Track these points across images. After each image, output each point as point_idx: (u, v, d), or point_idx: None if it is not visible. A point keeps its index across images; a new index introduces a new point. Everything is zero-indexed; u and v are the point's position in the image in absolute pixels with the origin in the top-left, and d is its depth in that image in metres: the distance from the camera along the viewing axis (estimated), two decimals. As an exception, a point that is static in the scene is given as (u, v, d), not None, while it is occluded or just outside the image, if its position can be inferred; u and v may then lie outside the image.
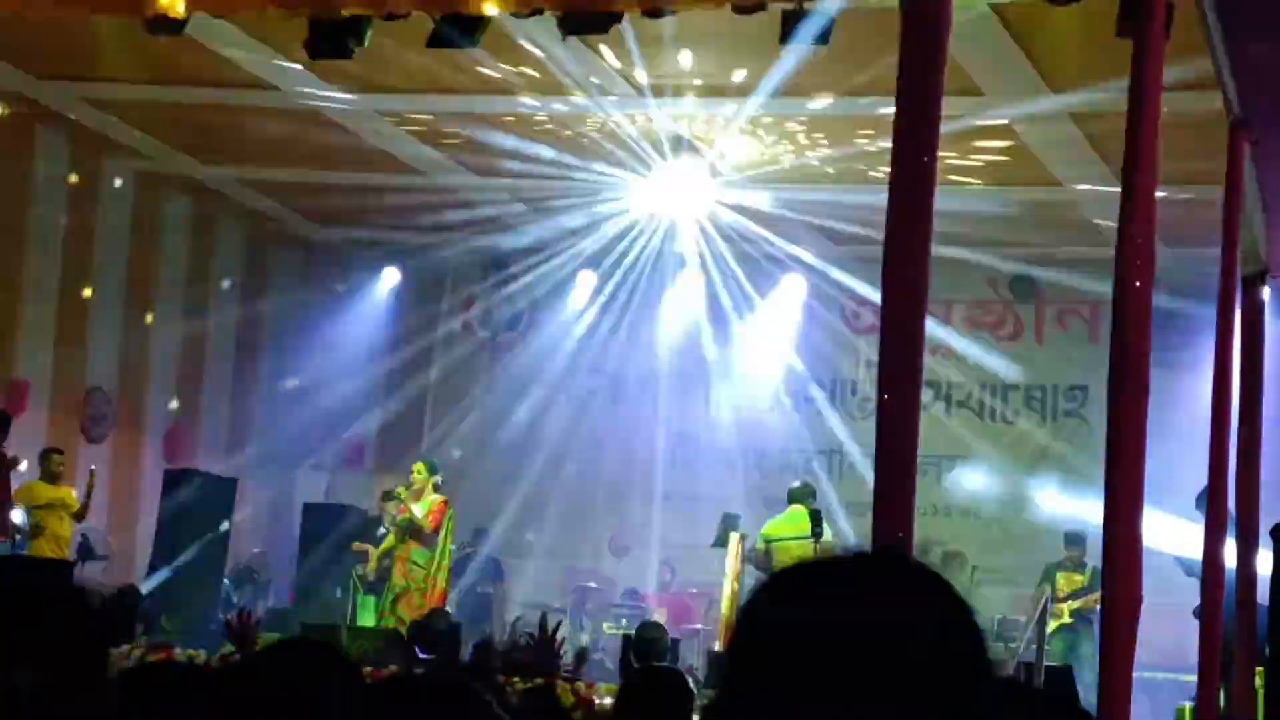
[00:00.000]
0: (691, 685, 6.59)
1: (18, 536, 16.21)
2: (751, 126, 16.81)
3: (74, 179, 19.38)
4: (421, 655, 13.65)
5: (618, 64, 15.29)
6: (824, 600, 1.71)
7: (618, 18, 11.78)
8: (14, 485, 16.36)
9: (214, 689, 4.10)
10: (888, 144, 5.48)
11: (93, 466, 17.21)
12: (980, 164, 16.79)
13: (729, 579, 16.69)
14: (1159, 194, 6.17)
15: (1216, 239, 9.54)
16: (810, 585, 1.75)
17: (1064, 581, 17.55)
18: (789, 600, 1.74)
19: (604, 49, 14.73)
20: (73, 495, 16.71)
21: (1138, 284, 5.77)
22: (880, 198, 5.61)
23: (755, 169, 17.87)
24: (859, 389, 20.52)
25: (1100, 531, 6.12)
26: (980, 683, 1.72)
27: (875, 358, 5.32)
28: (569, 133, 17.26)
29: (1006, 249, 19.78)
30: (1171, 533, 14.25)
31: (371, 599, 17.61)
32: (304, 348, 22.37)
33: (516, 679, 12.45)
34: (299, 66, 15.56)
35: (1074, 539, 17.78)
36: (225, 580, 19.78)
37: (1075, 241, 18.93)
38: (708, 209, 19.15)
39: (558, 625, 14.10)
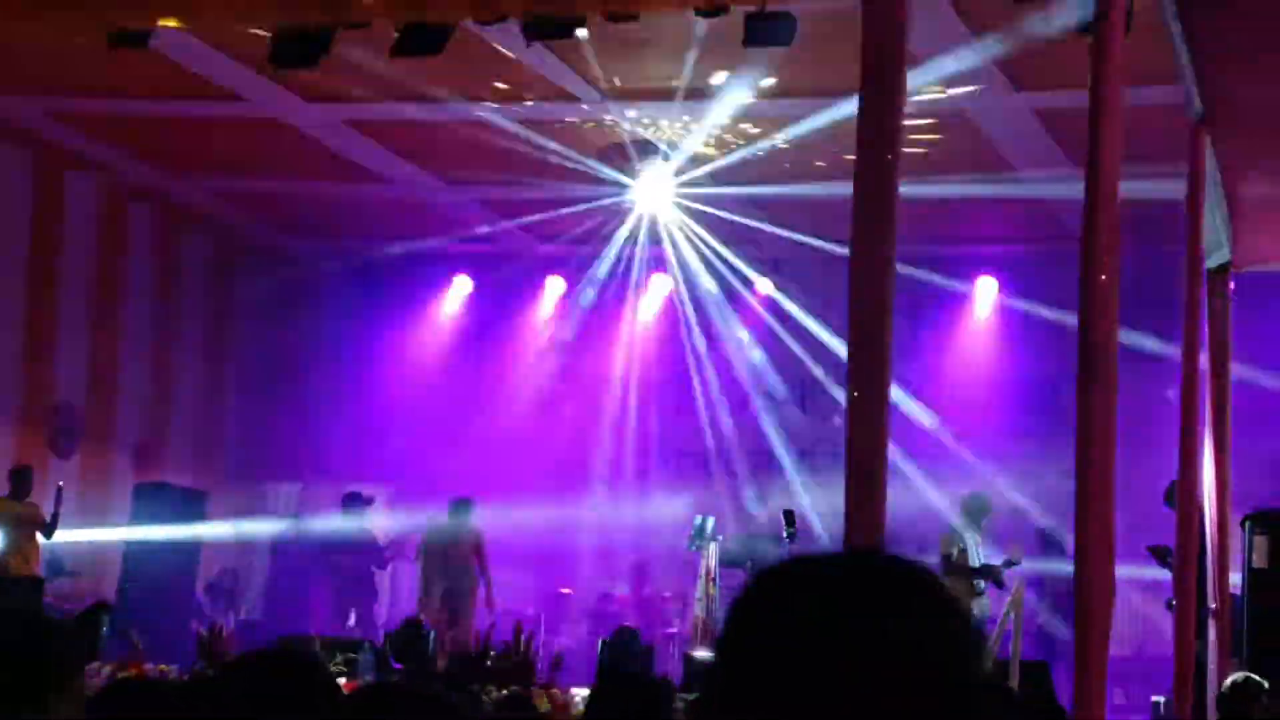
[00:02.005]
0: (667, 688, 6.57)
1: None
2: (718, 127, 16.83)
3: (39, 193, 19.30)
4: (396, 665, 13.64)
5: (583, 68, 15.29)
6: (818, 601, 1.70)
7: (581, 22, 11.80)
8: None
9: (190, 702, 4.08)
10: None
11: (60, 482, 17.13)
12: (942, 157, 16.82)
13: (703, 582, 16.70)
14: (1122, 189, 6.18)
15: (1181, 233, 9.57)
16: (805, 585, 1.74)
17: None
18: (784, 600, 1.73)
19: (570, 53, 14.72)
20: (41, 511, 16.63)
21: (1103, 278, 5.78)
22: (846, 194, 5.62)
23: (722, 169, 17.88)
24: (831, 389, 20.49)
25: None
26: (971, 685, 1.71)
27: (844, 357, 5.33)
28: (537, 138, 17.24)
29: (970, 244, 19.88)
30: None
31: None
32: (273, 359, 22.31)
33: (492, 687, 12.45)
34: (263, 77, 15.53)
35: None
36: (197, 594, 19.71)
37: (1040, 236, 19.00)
38: (676, 210, 19.16)
39: (532, 632, 14.10)
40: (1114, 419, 5.92)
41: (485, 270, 22.04)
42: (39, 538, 16.54)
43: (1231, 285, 11.76)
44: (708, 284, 20.67)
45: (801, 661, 1.67)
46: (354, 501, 18.94)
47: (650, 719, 6.31)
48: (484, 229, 20.83)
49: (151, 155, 19.04)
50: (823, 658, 1.66)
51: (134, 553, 19.10)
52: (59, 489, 16.73)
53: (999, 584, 15.04)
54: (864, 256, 5.26)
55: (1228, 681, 9.89)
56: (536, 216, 19.64)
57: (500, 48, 14.30)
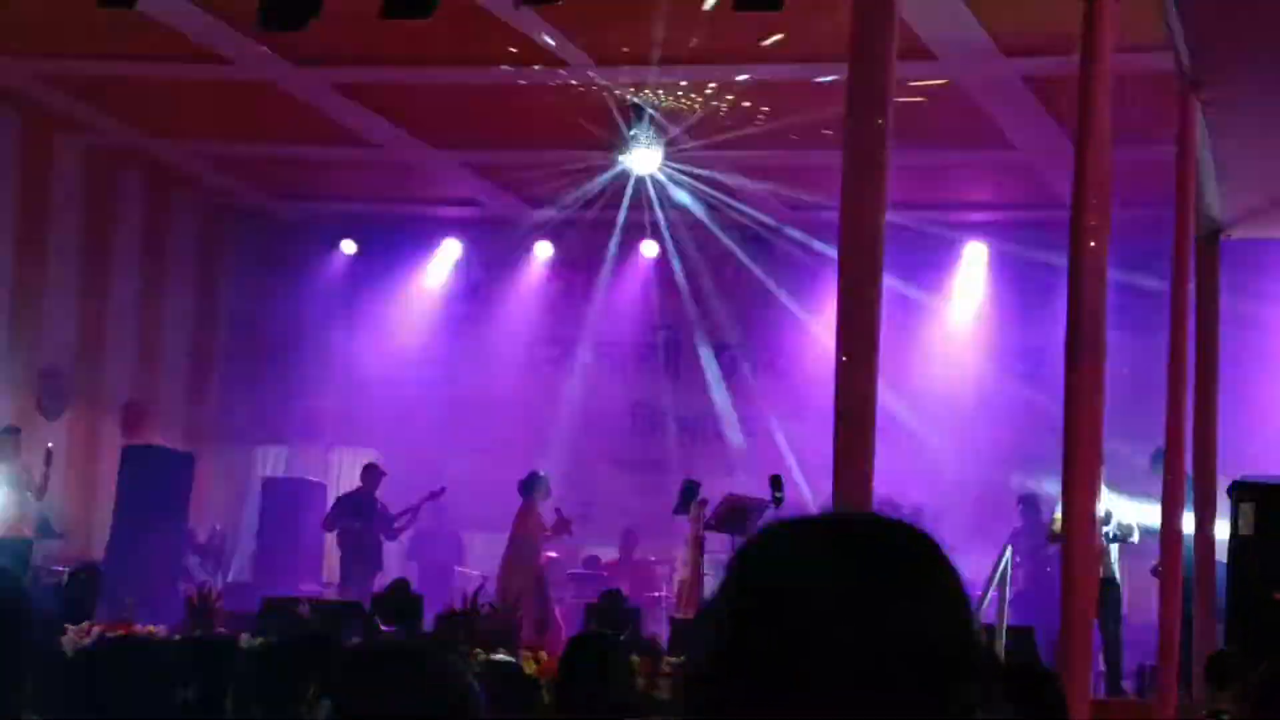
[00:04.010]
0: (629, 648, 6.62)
1: None
2: (708, 92, 16.80)
3: (27, 157, 19.25)
4: (384, 628, 13.67)
5: (572, 33, 15.26)
6: (807, 564, 1.69)
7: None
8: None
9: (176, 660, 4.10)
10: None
11: (50, 444, 17.14)
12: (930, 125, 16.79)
13: (690, 546, 16.73)
14: (1112, 153, 6.19)
15: (1170, 199, 9.58)
16: (796, 549, 1.73)
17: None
18: (776, 562, 1.72)
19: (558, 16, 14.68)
20: (31, 473, 16.63)
21: (1092, 244, 5.79)
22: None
23: (712, 135, 17.84)
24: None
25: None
26: (960, 648, 1.71)
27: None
28: (525, 102, 17.20)
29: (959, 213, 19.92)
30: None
31: None
32: (261, 321, 22.28)
33: (479, 650, 12.47)
34: (251, 39, 15.48)
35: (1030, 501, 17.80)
36: (186, 556, 19.73)
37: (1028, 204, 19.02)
38: (666, 176, 19.12)
39: (519, 596, 14.13)
40: (1102, 386, 5.94)
41: (474, 234, 22.03)
42: (29, 499, 16.56)
43: (1220, 251, 11.79)
44: (695, 248, 20.65)
45: (790, 625, 1.67)
46: (372, 472, 19.10)
47: (618, 678, 6.36)
48: (473, 193, 20.83)
49: (140, 118, 18.98)
50: (811, 621, 1.66)
51: (123, 515, 19.10)
52: (47, 451, 16.75)
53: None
54: (854, 220, 5.26)
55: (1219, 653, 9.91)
56: (526, 181, 19.60)
57: (490, 11, 14.27)
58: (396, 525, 19.05)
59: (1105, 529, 14.31)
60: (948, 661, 1.68)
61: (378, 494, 19.08)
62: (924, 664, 1.67)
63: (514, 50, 15.60)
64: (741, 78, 16.12)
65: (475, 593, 15.26)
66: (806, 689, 1.65)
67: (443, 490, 19.06)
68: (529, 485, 18.08)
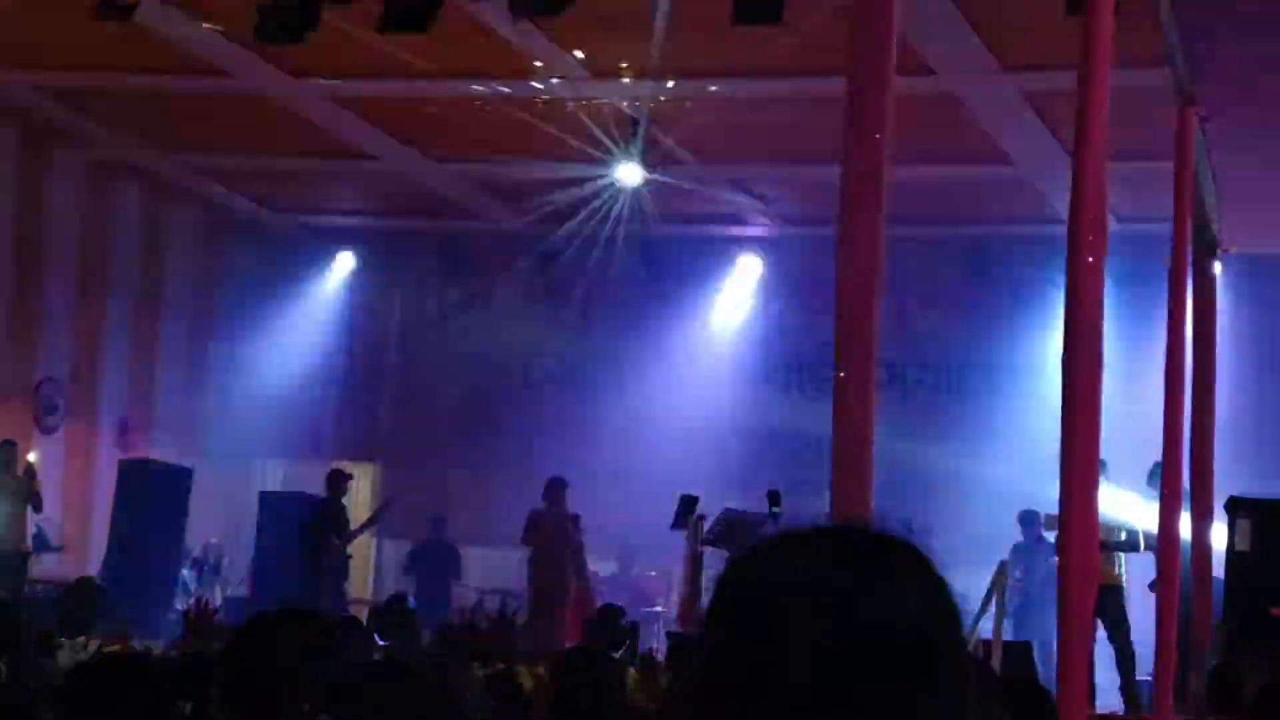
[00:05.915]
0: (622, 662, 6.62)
1: None
2: (705, 105, 16.80)
3: (25, 169, 19.25)
4: (381, 642, 13.66)
5: (568, 46, 15.27)
6: (801, 577, 1.69)
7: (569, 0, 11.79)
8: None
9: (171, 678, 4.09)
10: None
11: (30, 457, 17.12)
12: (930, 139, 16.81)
13: (687, 561, 16.70)
14: (1109, 169, 6.19)
15: (1168, 214, 9.58)
16: (789, 561, 1.73)
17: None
18: (769, 575, 1.72)
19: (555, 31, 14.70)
20: (31, 484, 16.64)
21: (1090, 259, 5.79)
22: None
23: (709, 148, 17.85)
24: (817, 369, 20.47)
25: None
26: (955, 658, 1.71)
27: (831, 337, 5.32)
28: (522, 116, 17.21)
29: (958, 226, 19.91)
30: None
31: None
32: (259, 335, 22.26)
33: (477, 664, 12.45)
34: (250, 52, 15.49)
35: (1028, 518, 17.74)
36: (183, 570, 19.70)
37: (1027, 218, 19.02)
38: (661, 189, 19.11)
39: (517, 609, 14.10)
40: (1098, 401, 5.93)
41: (471, 248, 22.00)
42: (25, 513, 16.58)
43: (1218, 266, 11.79)
44: (690, 261, 20.67)
45: (783, 637, 1.66)
46: (337, 478, 18.94)
47: (609, 694, 6.35)
48: (467, 205, 20.83)
49: (138, 131, 18.98)
50: (804, 633, 1.66)
51: (120, 529, 19.08)
52: (30, 465, 16.75)
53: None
54: (852, 236, 5.26)
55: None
56: (525, 194, 19.59)
57: (488, 24, 14.28)
58: (351, 532, 18.93)
59: (1114, 537, 14.06)
60: (927, 652, 1.68)
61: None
62: (904, 656, 1.66)
63: (511, 63, 15.60)
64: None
65: (474, 606, 15.25)
66: (791, 694, 1.65)
67: (393, 501, 18.78)
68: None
